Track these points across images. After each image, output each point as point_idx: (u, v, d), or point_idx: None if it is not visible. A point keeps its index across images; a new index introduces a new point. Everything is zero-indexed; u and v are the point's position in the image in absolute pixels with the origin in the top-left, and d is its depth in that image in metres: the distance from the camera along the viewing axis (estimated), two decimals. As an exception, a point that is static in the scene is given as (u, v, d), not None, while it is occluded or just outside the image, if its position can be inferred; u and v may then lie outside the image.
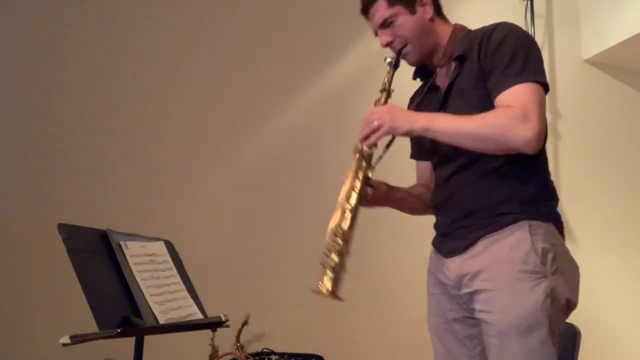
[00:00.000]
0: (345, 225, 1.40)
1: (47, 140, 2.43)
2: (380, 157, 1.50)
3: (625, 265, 3.21)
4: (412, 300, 2.67)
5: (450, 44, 1.53)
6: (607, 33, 3.23)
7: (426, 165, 1.68)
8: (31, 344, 2.19)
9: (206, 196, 2.64)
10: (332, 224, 1.41)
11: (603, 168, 3.29)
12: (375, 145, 1.45)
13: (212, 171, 2.68)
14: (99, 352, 2.07)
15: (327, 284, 1.34)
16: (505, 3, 3.17)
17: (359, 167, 1.47)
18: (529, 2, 3.19)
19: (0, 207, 2.30)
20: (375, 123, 1.41)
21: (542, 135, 1.34)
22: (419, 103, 1.61)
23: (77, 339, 1.20)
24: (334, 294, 1.33)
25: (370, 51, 2.95)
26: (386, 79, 1.55)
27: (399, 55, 1.54)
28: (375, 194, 1.53)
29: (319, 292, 1.34)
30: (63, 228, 1.35)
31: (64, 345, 1.19)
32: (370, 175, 1.48)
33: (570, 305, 1.38)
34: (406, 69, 1.64)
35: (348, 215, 1.42)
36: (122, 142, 2.54)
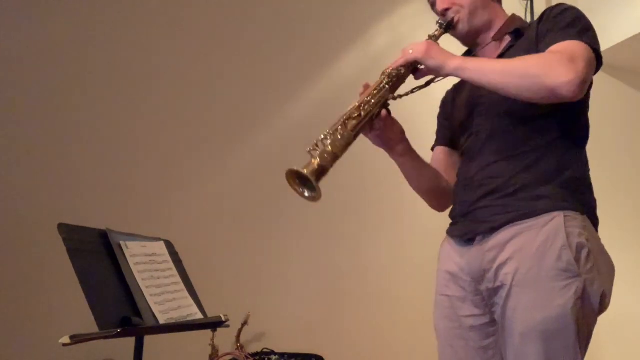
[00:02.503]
0: (349, 127, 1.29)
1: (47, 140, 2.43)
2: (407, 94, 1.41)
3: (627, 265, 3.20)
4: (412, 300, 2.68)
5: (507, 24, 1.50)
6: (607, 33, 3.22)
7: (444, 151, 1.61)
8: (31, 344, 2.19)
9: (206, 196, 2.64)
10: (336, 122, 1.32)
11: (603, 168, 3.29)
12: (403, 68, 1.37)
13: (212, 171, 2.68)
14: (99, 352, 2.07)
15: (310, 167, 1.22)
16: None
17: (381, 88, 1.37)
18: (529, 2, 3.19)
19: (0, 207, 2.30)
20: (410, 51, 1.36)
21: (585, 83, 1.23)
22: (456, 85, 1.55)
23: (77, 339, 1.20)
24: (314, 177, 1.20)
25: (370, 53, 2.97)
26: (433, 33, 1.49)
27: (452, 21, 1.48)
28: (387, 123, 1.43)
29: (297, 175, 1.22)
30: (63, 228, 1.35)
31: (64, 345, 1.19)
32: (390, 98, 1.39)
33: (603, 305, 1.28)
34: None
35: (353, 123, 1.32)
36: (122, 142, 2.54)
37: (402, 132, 1.49)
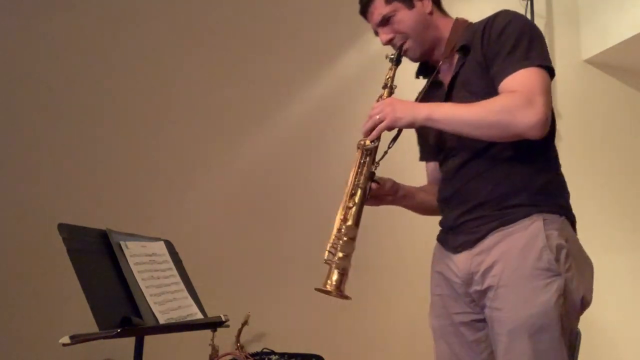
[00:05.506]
0: (350, 222, 1.39)
1: (47, 140, 2.43)
2: (385, 153, 1.48)
3: (626, 265, 3.21)
4: (412, 301, 2.67)
5: (452, 36, 1.50)
6: (607, 33, 3.23)
7: (435, 165, 1.65)
8: (31, 344, 2.19)
9: (206, 196, 2.64)
10: (337, 222, 1.40)
11: (603, 168, 3.29)
12: (377, 139, 1.43)
13: (212, 171, 2.68)
14: (99, 352, 2.08)
15: (333, 281, 1.32)
16: (505, 3, 3.15)
17: (362, 163, 1.45)
18: (529, 2, 3.19)
19: (0, 207, 2.30)
20: (377, 117, 1.40)
21: (548, 120, 1.30)
22: (421, 100, 1.57)
23: (77, 339, 1.19)
24: (339, 291, 1.32)
25: (370, 51, 2.96)
26: (388, 76, 1.53)
27: (400, 51, 1.52)
28: (380, 191, 1.51)
29: (325, 291, 1.32)
30: (63, 228, 1.35)
31: (64, 345, 1.19)
32: (374, 171, 1.46)
33: (584, 303, 1.34)
34: (410, 67, 1.63)
35: (352, 212, 1.40)
36: (122, 142, 2.54)
37: (394, 184, 1.56)
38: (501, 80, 1.34)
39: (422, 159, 1.71)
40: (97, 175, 2.47)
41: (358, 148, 1.45)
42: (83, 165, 2.46)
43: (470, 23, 1.51)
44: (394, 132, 1.49)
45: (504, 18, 1.40)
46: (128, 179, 2.51)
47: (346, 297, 1.32)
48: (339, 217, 1.40)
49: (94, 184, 2.46)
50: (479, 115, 1.32)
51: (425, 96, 1.57)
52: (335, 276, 1.32)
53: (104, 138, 2.52)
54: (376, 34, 1.57)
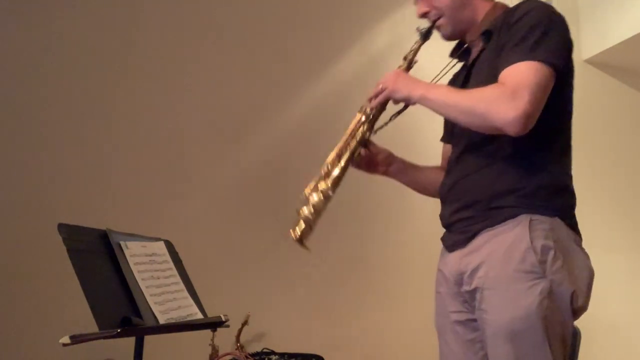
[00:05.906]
0: (329, 181, 1.43)
1: (47, 140, 2.43)
2: (385, 124, 1.49)
3: (627, 265, 3.21)
4: (412, 300, 2.67)
5: (484, 20, 1.46)
6: (607, 33, 3.22)
7: (449, 148, 1.62)
8: (31, 344, 2.19)
9: (206, 196, 2.64)
10: (317, 177, 1.44)
11: (603, 168, 3.29)
12: (378, 108, 1.46)
13: (212, 171, 2.68)
14: (99, 352, 2.07)
15: (297, 232, 1.42)
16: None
17: (358, 127, 1.47)
18: (529, 2, 3.19)
19: (0, 207, 2.30)
20: (380, 86, 1.42)
21: (530, 117, 1.22)
22: (450, 80, 1.57)
23: (77, 339, 1.19)
24: (300, 242, 1.41)
25: (370, 51, 2.96)
26: (412, 49, 1.52)
27: (432, 26, 1.50)
28: (369, 158, 1.53)
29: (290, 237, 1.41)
30: (63, 228, 1.35)
31: (64, 345, 1.19)
32: (368, 137, 1.49)
33: (576, 306, 1.28)
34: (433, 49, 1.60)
35: (334, 173, 1.44)
36: (122, 142, 2.54)
37: (389, 156, 1.58)
38: (501, 70, 1.29)
39: (442, 139, 1.69)
40: (97, 175, 2.47)
41: (359, 112, 1.48)
42: (83, 165, 2.46)
43: (508, 8, 1.46)
44: (400, 106, 1.48)
45: (525, 8, 1.34)
46: (128, 179, 2.51)
47: (305, 248, 1.41)
48: (321, 172, 1.45)
49: (94, 184, 2.45)
50: (463, 102, 1.31)
51: (454, 77, 1.59)
52: (300, 227, 1.42)
53: (104, 138, 2.52)
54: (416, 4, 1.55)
